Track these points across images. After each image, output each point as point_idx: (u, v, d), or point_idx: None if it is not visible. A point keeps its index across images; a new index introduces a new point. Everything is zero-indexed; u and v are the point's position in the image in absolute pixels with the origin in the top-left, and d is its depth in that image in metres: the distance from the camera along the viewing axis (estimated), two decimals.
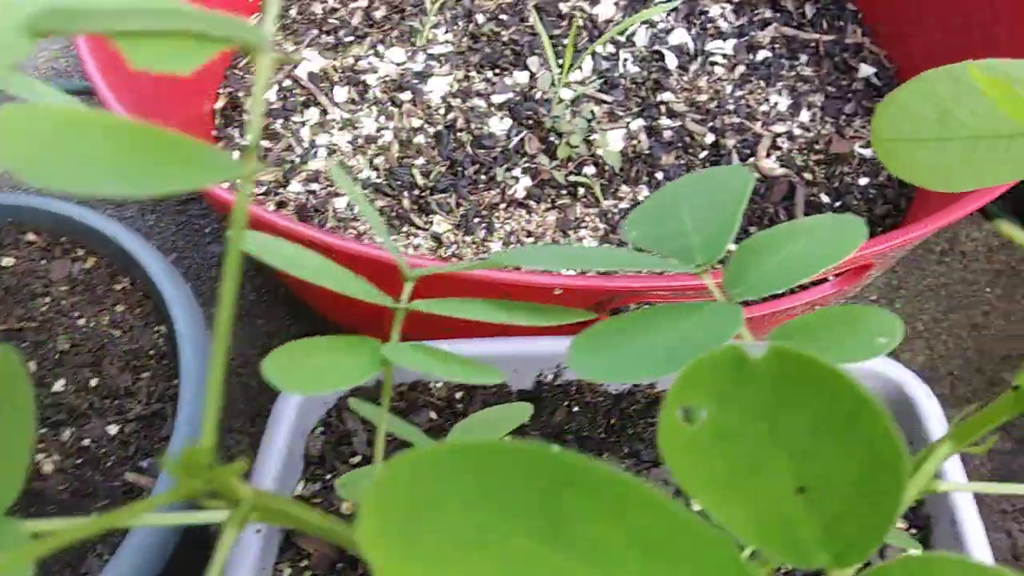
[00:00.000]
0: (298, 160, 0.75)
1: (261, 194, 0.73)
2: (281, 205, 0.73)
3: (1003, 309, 0.88)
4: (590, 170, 0.76)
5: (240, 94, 0.80)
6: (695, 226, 0.32)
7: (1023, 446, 0.79)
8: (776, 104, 0.81)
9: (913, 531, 0.47)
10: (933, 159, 0.27)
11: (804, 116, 0.81)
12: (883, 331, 0.27)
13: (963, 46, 0.79)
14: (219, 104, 0.80)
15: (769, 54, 0.85)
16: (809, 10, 0.89)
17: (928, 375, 0.83)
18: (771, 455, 0.16)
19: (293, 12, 0.86)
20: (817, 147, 0.79)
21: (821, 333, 0.28)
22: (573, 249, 0.65)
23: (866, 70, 0.85)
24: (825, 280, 0.61)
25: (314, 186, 0.74)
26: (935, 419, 0.47)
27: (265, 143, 0.76)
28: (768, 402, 0.16)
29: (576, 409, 0.50)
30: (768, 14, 0.88)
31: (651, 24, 0.85)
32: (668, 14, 0.86)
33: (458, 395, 0.50)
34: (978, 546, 0.42)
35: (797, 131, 0.80)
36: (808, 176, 0.76)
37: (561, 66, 0.75)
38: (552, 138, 0.77)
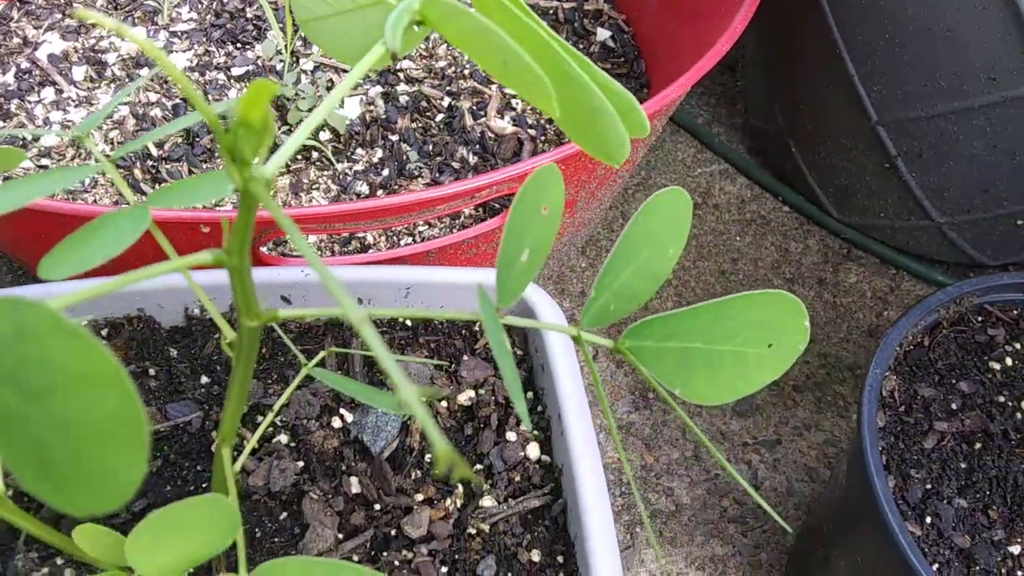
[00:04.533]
0: (30, 137, 0.76)
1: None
2: (8, 179, 0.73)
3: (751, 256, 0.94)
4: (325, 135, 0.78)
5: None
6: None
7: None
8: None
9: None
10: (330, 33, 0.30)
11: None
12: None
13: (677, 10, 0.84)
14: None
15: None
16: None
17: None
18: None
19: (76, 8, 0.87)
20: None
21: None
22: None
23: (603, 33, 0.89)
24: None
25: (45, 161, 0.75)
26: (552, 315, 0.51)
27: (26, 131, 0.77)
28: None
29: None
30: None
31: None
32: None
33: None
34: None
35: None
36: (533, 132, 0.80)
37: (285, 34, 0.78)
38: (289, 106, 0.79)
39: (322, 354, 0.38)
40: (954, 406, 0.58)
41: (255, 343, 0.28)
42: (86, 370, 0.17)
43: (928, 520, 0.54)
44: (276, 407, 0.36)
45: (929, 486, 0.55)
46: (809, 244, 0.95)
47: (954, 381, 0.59)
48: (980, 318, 0.61)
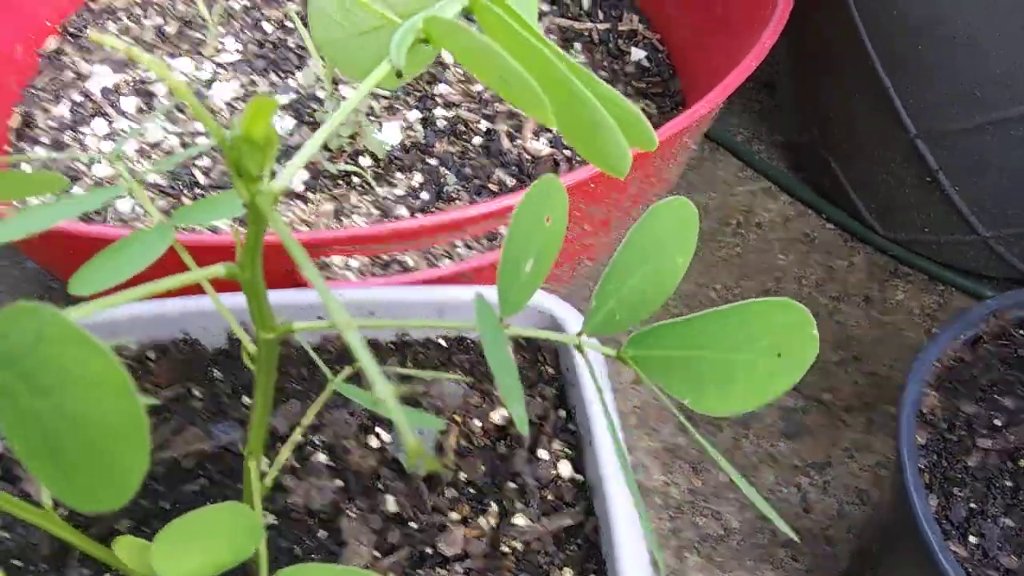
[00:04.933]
0: (84, 168, 0.79)
1: (48, 200, 0.77)
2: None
3: (795, 274, 0.93)
4: (366, 161, 0.80)
5: (35, 112, 0.84)
6: None
7: (811, 402, 0.82)
8: None
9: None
10: (346, 53, 0.31)
11: None
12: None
13: (710, 28, 0.84)
14: (13, 122, 0.83)
15: None
16: (586, 2, 0.94)
17: None
18: None
19: (89, 32, 0.90)
20: None
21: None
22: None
23: (637, 53, 0.90)
24: None
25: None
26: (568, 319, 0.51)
27: (54, 154, 0.80)
28: None
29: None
30: (545, 7, 0.93)
31: None
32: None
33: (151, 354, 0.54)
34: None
35: None
36: (568, 152, 0.80)
37: (324, 62, 0.80)
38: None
39: (348, 370, 0.39)
40: (998, 422, 0.56)
41: (274, 355, 0.28)
42: (93, 371, 0.18)
43: (973, 540, 0.53)
44: (304, 422, 0.37)
45: (973, 505, 0.54)
46: (854, 261, 0.94)
47: (997, 397, 0.57)
48: (1022, 332, 0.60)
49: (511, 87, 0.24)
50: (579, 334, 0.29)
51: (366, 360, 0.16)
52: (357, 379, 0.53)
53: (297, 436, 0.36)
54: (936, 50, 0.72)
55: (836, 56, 0.84)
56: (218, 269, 0.24)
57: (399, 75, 0.25)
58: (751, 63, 0.61)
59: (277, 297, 0.53)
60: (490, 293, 0.53)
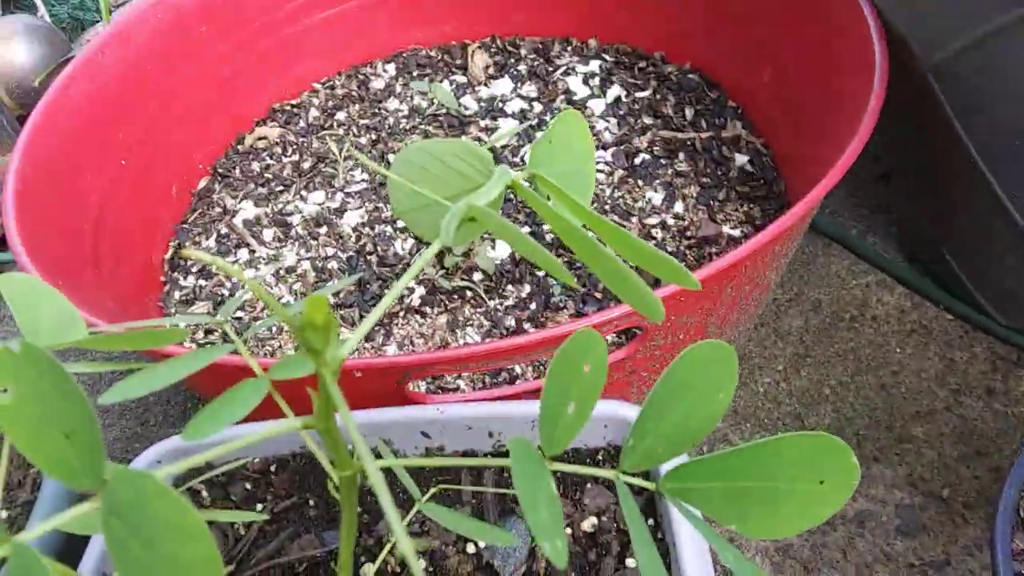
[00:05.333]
0: (227, 294, 0.88)
1: (194, 324, 0.86)
2: (209, 332, 0.85)
3: (913, 367, 0.91)
4: (478, 276, 0.85)
5: (186, 244, 0.94)
6: None
7: (930, 498, 0.81)
8: (651, 199, 0.90)
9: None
10: (417, 220, 0.36)
11: (678, 207, 0.89)
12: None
13: (808, 136, 0.86)
14: (168, 254, 0.94)
15: (648, 156, 0.94)
16: (689, 112, 0.98)
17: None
18: (47, 413, 0.25)
19: (236, 172, 1.01)
20: (688, 233, 0.86)
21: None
22: None
23: (741, 159, 0.93)
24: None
25: (240, 314, 0.86)
26: None
27: (201, 282, 0.89)
28: (35, 380, 0.25)
29: None
30: (649, 121, 0.97)
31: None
32: None
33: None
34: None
35: (671, 220, 0.88)
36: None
37: None
38: (446, 252, 0.87)
39: (433, 490, 0.43)
40: None
41: (354, 488, 0.33)
42: (181, 524, 0.23)
43: None
44: (388, 547, 0.41)
45: None
46: (976, 352, 0.92)
47: None
48: None
49: (536, 258, 0.28)
50: (618, 468, 0.32)
51: (391, 511, 0.20)
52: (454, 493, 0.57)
53: (384, 552, 0.40)
54: None
55: (935, 151, 0.84)
56: (295, 423, 0.29)
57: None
58: (835, 175, 0.63)
59: (383, 416, 0.58)
60: (612, 409, 0.57)
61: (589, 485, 0.56)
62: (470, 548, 0.55)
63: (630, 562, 0.53)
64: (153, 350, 0.59)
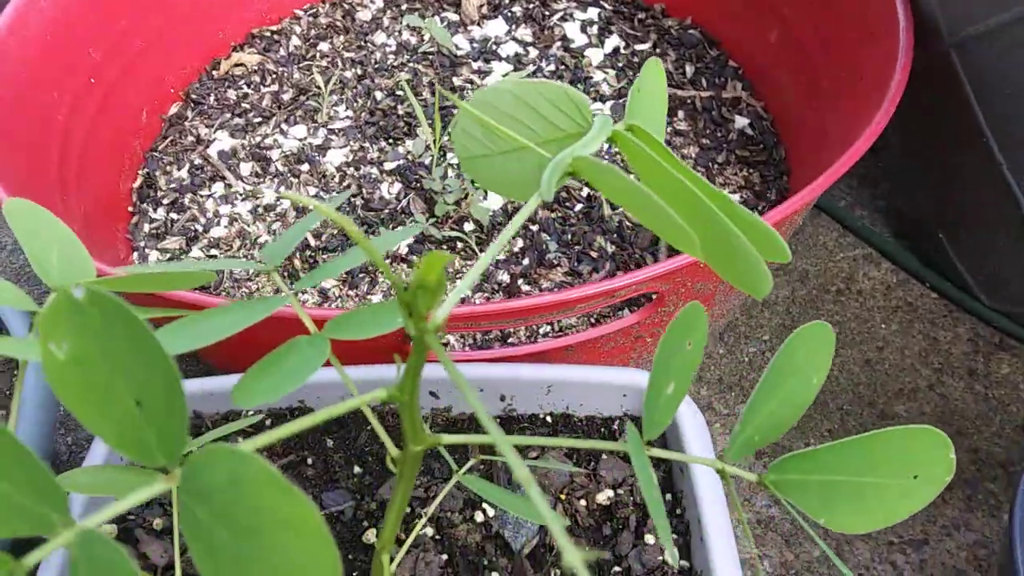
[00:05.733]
0: (201, 229, 0.83)
1: (167, 260, 0.80)
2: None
3: (897, 344, 0.91)
4: (469, 226, 0.82)
5: (157, 174, 0.88)
6: None
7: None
8: None
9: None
10: (485, 170, 0.32)
11: None
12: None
13: (816, 101, 0.84)
14: (136, 183, 0.88)
15: None
16: (689, 69, 0.95)
17: (818, 411, 0.86)
18: (114, 375, 0.21)
19: (211, 99, 0.95)
20: None
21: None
22: None
23: (741, 121, 0.90)
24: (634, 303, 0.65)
25: (214, 251, 0.81)
26: (695, 428, 0.51)
27: (172, 215, 0.84)
28: (100, 331, 0.21)
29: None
30: None
31: None
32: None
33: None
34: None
35: None
36: None
37: (433, 131, 0.82)
38: (437, 199, 0.83)
39: (472, 461, 0.40)
40: None
41: (417, 464, 0.30)
42: (291, 516, 0.19)
43: None
44: (428, 512, 0.38)
45: None
46: (959, 332, 0.92)
47: None
48: None
49: (658, 223, 0.25)
50: (720, 458, 0.29)
51: (533, 489, 0.17)
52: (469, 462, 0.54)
53: (418, 528, 0.38)
54: None
55: (947, 131, 0.83)
56: (379, 394, 0.25)
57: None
58: (862, 146, 0.61)
59: (391, 373, 0.54)
60: (604, 376, 0.54)
61: (604, 456, 0.54)
62: (478, 517, 0.52)
63: (649, 538, 0.51)
64: (160, 300, 0.54)
